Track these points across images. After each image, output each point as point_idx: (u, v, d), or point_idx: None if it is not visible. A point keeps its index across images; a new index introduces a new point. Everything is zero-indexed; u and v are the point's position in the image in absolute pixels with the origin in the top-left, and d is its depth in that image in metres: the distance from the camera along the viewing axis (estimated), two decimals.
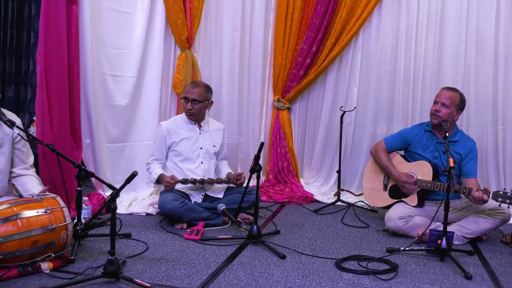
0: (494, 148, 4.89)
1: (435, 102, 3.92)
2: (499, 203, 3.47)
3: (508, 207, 3.50)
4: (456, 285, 2.92)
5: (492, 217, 3.69)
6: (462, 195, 3.73)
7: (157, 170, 4.04)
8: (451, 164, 3.28)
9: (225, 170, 4.31)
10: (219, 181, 4.09)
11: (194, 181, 3.97)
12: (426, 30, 5.00)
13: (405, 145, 4.15)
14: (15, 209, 2.76)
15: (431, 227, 3.53)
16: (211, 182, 4.05)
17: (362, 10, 5.06)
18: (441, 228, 3.36)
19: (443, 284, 2.92)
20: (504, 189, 3.50)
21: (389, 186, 4.16)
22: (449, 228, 3.47)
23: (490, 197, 3.50)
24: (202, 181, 4.00)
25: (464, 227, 3.73)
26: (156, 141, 4.20)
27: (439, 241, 3.31)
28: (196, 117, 4.20)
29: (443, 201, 3.29)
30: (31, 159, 3.36)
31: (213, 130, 4.32)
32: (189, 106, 4.11)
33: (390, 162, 4.14)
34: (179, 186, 4.01)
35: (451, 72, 4.95)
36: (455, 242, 3.65)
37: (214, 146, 4.26)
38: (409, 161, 4.10)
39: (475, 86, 4.88)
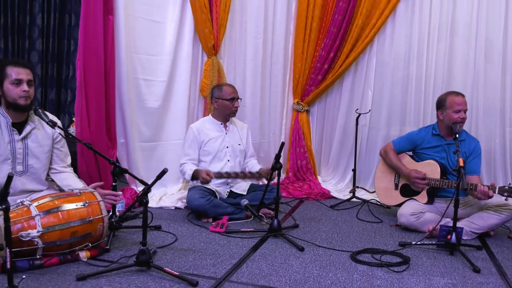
0: (502, 149, 4.83)
1: (458, 111, 3.80)
2: (505, 198, 3.42)
3: None
4: (465, 278, 2.88)
5: (499, 213, 3.64)
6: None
7: (191, 167, 4.04)
8: (461, 164, 3.24)
9: (257, 167, 4.26)
10: (251, 176, 4.06)
11: (228, 175, 3.97)
12: (437, 37, 4.94)
13: (412, 147, 4.10)
14: (56, 202, 2.80)
15: (441, 223, 3.49)
16: (244, 176, 4.04)
17: (377, 18, 5.02)
18: (451, 224, 3.33)
19: (452, 276, 2.89)
20: (509, 183, 3.46)
21: (400, 185, 4.12)
22: (458, 224, 3.42)
23: (496, 192, 3.45)
24: (236, 175, 4.00)
25: (473, 223, 3.68)
26: (187, 142, 4.19)
27: (449, 236, 3.28)
28: None
29: (453, 198, 3.25)
30: (68, 159, 3.40)
31: (238, 130, 4.34)
32: (237, 104, 4.20)
33: (400, 161, 4.10)
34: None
35: (461, 78, 4.90)
36: (464, 237, 3.59)
37: (239, 144, 4.27)
38: (417, 161, 4.06)
39: (484, 91, 4.82)
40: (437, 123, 4.02)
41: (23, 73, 2.99)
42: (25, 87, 2.99)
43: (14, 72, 2.98)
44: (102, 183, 3.25)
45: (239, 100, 4.25)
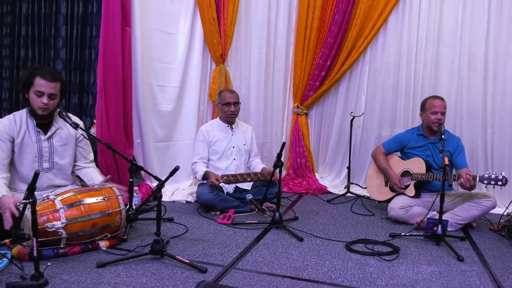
0: (484, 149, 4.79)
1: (435, 112, 3.84)
2: (485, 185, 3.42)
3: (494, 188, 3.51)
4: (450, 266, 2.87)
5: (480, 205, 3.64)
6: (454, 188, 3.68)
7: (202, 168, 4.04)
8: (446, 162, 3.24)
9: (260, 166, 4.27)
10: (256, 178, 4.05)
11: (236, 180, 3.97)
12: (424, 47, 4.91)
13: (400, 147, 4.12)
14: (78, 196, 2.81)
15: (428, 216, 3.49)
16: (250, 179, 4.05)
17: (370, 30, 5.00)
18: (437, 217, 3.32)
19: (438, 265, 2.88)
20: (488, 172, 3.47)
21: (389, 182, 4.11)
22: (444, 217, 3.41)
23: (477, 180, 3.47)
24: (242, 179, 4.00)
25: (457, 215, 3.68)
26: (198, 142, 4.20)
27: (435, 228, 3.27)
28: (236, 117, 4.23)
29: (439, 193, 3.24)
30: (91, 156, 3.40)
31: (244, 131, 4.33)
32: (233, 108, 4.13)
33: (388, 163, 4.12)
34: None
35: (446, 84, 4.87)
36: (449, 228, 3.59)
37: (245, 144, 4.27)
38: (404, 160, 4.05)
39: (467, 96, 4.79)
40: (421, 124, 4.04)
41: (46, 87, 2.94)
42: (45, 99, 2.95)
43: (39, 84, 2.94)
44: (109, 176, 3.26)
45: (240, 104, 4.24)
